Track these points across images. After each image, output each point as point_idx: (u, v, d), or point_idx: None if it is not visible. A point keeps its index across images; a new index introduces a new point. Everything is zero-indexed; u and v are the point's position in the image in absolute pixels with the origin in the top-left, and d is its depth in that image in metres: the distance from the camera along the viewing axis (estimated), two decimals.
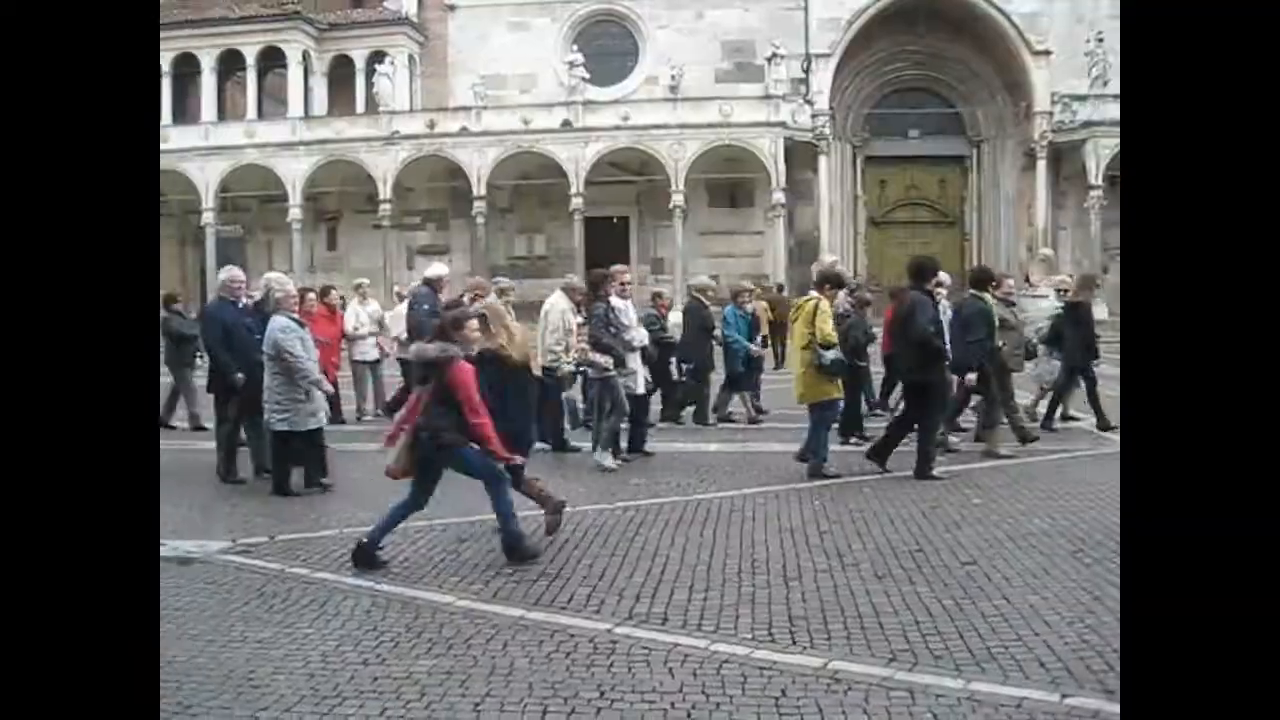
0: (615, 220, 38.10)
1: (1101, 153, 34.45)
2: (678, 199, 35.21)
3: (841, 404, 10.96)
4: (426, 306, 12.83)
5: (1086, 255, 34.49)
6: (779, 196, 35.19)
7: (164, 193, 38.30)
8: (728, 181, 37.17)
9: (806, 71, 36.53)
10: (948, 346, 10.57)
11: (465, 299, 13.45)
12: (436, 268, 14.21)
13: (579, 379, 11.82)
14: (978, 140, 38.26)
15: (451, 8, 39.56)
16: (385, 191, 36.55)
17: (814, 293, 10.57)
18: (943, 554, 7.15)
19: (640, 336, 11.47)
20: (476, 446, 7.10)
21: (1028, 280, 35.02)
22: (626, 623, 5.81)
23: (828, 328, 10.09)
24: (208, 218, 37.28)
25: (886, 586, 6.41)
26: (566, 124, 35.64)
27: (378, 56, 38.06)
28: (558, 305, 11.77)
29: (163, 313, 12.78)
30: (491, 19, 39.20)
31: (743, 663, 5.13)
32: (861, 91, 38.26)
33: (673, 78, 35.93)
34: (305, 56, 38.53)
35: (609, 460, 10.89)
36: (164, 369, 14.16)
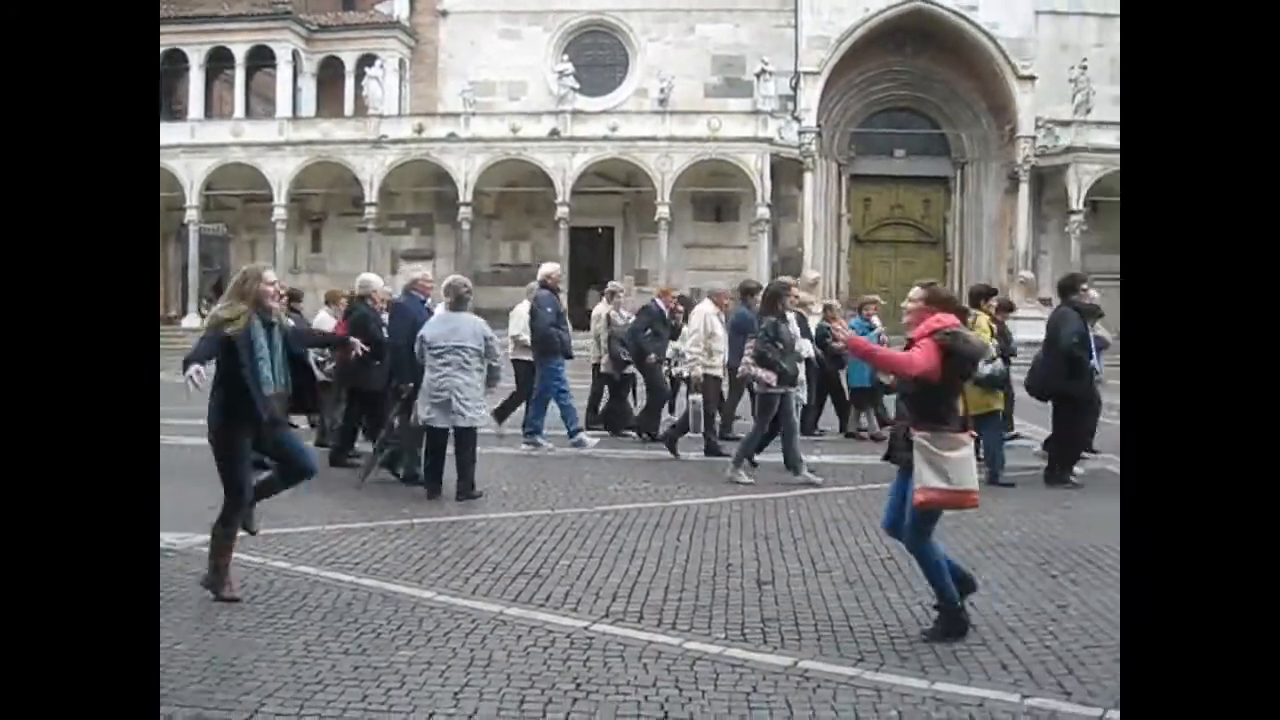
0: (600, 230, 38.23)
1: (1083, 178, 34.91)
2: (663, 211, 35.36)
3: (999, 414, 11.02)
4: (550, 310, 12.62)
5: None
6: (764, 212, 35.40)
7: None
8: (713, 195, 37.33)
9: (795, 88, 36.73)
10: (1093, 360, 10.75)
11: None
12: (547, 266, 13.56)
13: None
14: (962, 162, 38.54)
15: (443, 13, 39.64)
16: (371, 195, 36.57)
17: (971, 308, 10.90)
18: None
19: (807, 348, 11.20)
20: None
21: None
22: (603, 620, 5.94)
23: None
24: (191, 215, 37.10)
25: (857, 592, 6.57)
26: (555, 133, 35.76)
27: (368, 59, 38.10)
28: (702, 310, 12.04)
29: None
30: (483, 25, 39.32)
31: (715, 660, 5.26)
32: (848, 110, 38.49)
33: (662, 90, 36.10)
34: (295, 56, 38.53)
35: (744, 475, 10.69)
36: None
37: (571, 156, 35.54)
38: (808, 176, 36.70)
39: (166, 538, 7.70)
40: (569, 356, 12.83)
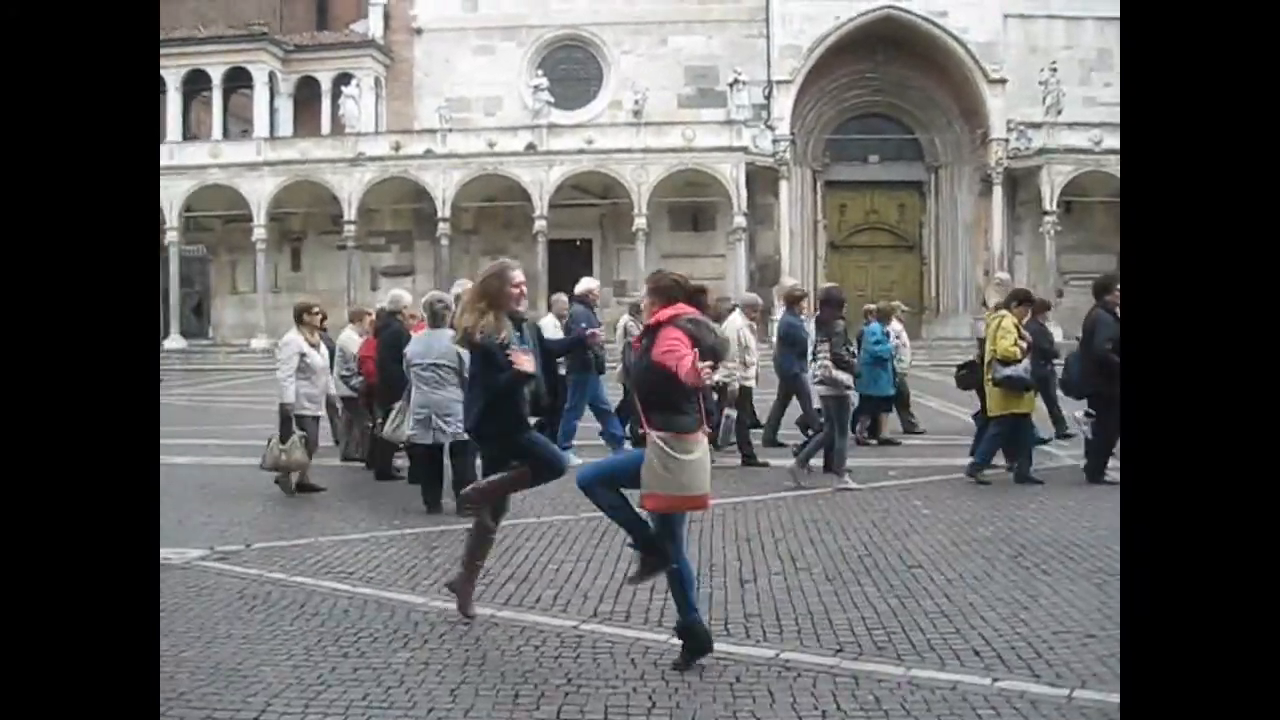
0: (578, 243, 38.48)
1: (1056, 179, 35.45)
2: (640, 222, 35.66)
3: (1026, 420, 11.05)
4: (584, 325, 12.12)
5: (1042, 279, 35.15)
6: (740, 220, 35.71)
7: None
8: (690, 205, 37.66)
9: (768, 97, 37.11)
10: None
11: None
12: (586, 282, 13.33)
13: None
14: (935, 166, 38.95)
15: (418, 31, 39.91)
16: (350, 213, 36.77)
17: (1003, 311, 11.09)
18: (890, 558, 7.55)
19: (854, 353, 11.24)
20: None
21: (984, 304, 35.78)
22: (591, 620, 6.17)
23: (1006, 344, 10.57)
24: (171, 237, 37.20)
25: (836, 587, 6.80)
26: (531, 147, 36.04)
27: (344, 78, 38.34)
28: (734, 323, 12.11)
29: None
30: (457, 42, 39.59)
31: None
32: (822, 117, 38.88)
33: (636, 102, 36.40)
34: (271, 77, 38.71)
35: (852, 482, 10.56)
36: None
37: (548, 170, 35.84)
38: (783, 184, 37.07)
39: (164, 553, 7.91)
40: (601, 371, 12.91)
